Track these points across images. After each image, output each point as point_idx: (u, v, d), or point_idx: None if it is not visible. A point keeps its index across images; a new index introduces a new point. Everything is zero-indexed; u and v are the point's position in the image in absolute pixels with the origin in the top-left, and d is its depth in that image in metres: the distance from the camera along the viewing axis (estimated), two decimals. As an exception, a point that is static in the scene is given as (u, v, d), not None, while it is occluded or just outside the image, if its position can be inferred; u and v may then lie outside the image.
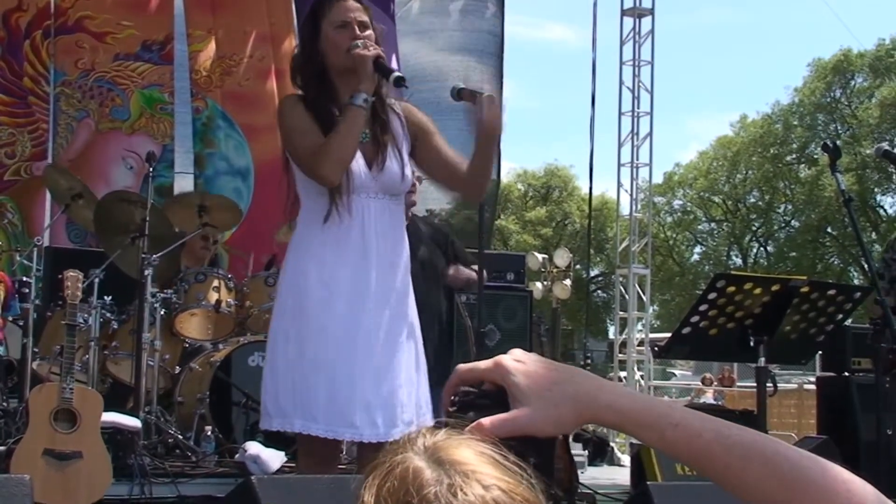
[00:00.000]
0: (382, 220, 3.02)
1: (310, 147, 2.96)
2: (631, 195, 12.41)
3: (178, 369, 5.79)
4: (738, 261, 34.65)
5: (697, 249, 36.68)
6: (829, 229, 31.90)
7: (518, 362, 0.95)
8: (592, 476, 7.62)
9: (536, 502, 0.83)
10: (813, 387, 9.38)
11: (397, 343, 3.03)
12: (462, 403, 0.95)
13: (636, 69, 12.26)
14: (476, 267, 4.23)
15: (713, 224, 36.08)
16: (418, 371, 3.09)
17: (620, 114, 12.34)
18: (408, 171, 3.08)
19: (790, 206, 33.66)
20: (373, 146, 3.03)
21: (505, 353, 1.00)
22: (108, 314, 5.73)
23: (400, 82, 2.94)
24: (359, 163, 2.99)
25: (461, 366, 0.97)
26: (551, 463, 4.60)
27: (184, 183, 8.38)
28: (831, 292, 3.73)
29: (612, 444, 9.20)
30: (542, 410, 0.93)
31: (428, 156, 3.15)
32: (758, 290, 3.53)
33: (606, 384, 0.97)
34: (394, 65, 9.38)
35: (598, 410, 0.95)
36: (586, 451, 8.43)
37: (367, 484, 0.85)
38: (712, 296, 3.54)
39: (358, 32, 2.98)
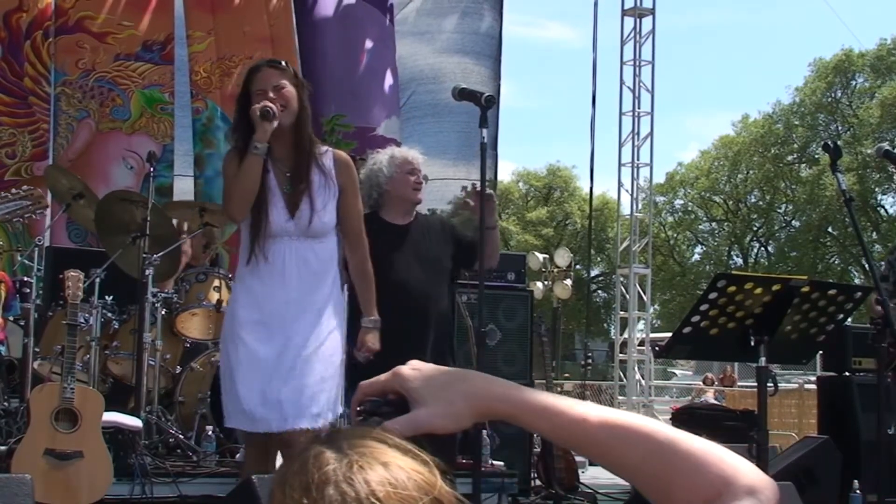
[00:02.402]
0: (300, 258, 3.58)
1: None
2: (632, 195, 12.41)
3: (178, 369, 5.79)
4: (739, 260, 34.66)
5: (698, 249, 36.72)
6: (829, 229, 31.89)
7: (415, 370, 1.05)
8: (593, 476, 7.62)
9: (433, 481, 0.88)
10: (813, 386, 9.38)
11: (309, 352, 3.57)
12: (367, 412, 1.03)
13: (637, 69, 12.26)
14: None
15: (714, 224, 36.08)
16: (330, 377, 3.63)
17: (621, 114, 12.34)
18: (323, 217, 3.60)
19: (791, 206, 33.66)
20: (293, 196, 3.59)
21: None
22: (109, 314, 5.73)
23: (266, 115, 3.46)
24: (279, 210, 3.57)
25: (363, 382, 1.06)
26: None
27: (182, 185, 8.38)
28: (832, 292, 3.72)
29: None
30: (439, 408, 1.01)
31: (338, 211, 3.69)
32: (758, 290, 3.53)
33: (497, 380, 1.05)
34: (389, 75, 9.40)
35: (490, 403, 1.02)
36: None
37: (277, 475, 0.92)
38: (713, 295, 3.53)
39: (271, 96, 3.52)
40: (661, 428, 0.98)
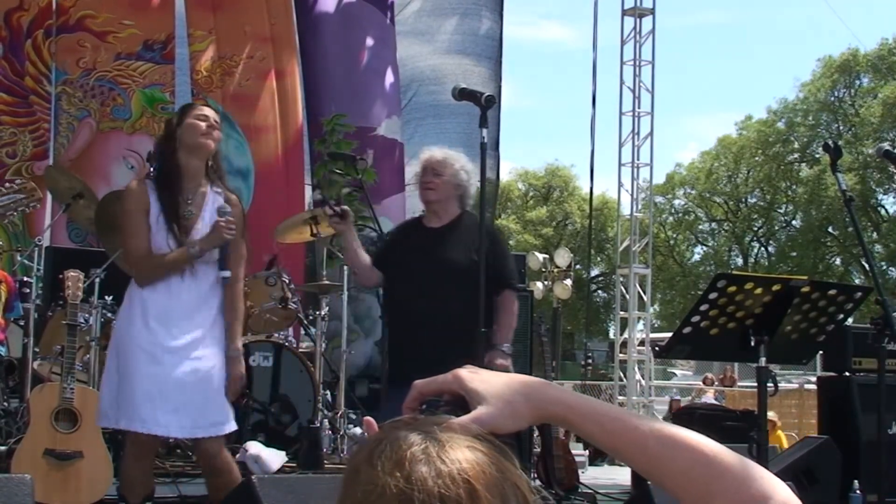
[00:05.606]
0: (190, 277, 3.79)
1: (136, 248, 3.78)
2: (632, 195, 12.41)
3: (178, 369, 5.78)
4: (739, 261, 34.64)
5: (698, 249, 36.69)
6: (830, 229, 31.86)
7: (473, 373, 1.09)
8: (593, 476, 7.63)
9: (511, 467, 0.94)
10: (814, 387, 9.39)
11: (199, 364, 3.75)
12: (426, 411, 1.05)
13: (637, 69, 12.26)
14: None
15: (714, 224, 36.06)
16: (219, 391, 3.81)
17: (621, 113, 12.34)
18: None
19: (791, 206, 33.64)
20: (186, 222, 3.81)
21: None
22: (109, 314, 5.72)
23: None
24: (166, 233, 3.79)
25: (418, 381, 1.08)
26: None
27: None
28: (832, 292, 3.72)
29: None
30: (500, 407, 1.05)
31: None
32: (759, 290, 3.53)
33: (553, 385, 1.10)
34: (389, 74, 9.40)
35: (547, 404, 1.07)
36: (587, 451, 8.43)
37: (361, 453, 0.95)
38: (713, 295, 3.53)
39: (213, 124, 3.86)
40: (706, 440, 1.03)
